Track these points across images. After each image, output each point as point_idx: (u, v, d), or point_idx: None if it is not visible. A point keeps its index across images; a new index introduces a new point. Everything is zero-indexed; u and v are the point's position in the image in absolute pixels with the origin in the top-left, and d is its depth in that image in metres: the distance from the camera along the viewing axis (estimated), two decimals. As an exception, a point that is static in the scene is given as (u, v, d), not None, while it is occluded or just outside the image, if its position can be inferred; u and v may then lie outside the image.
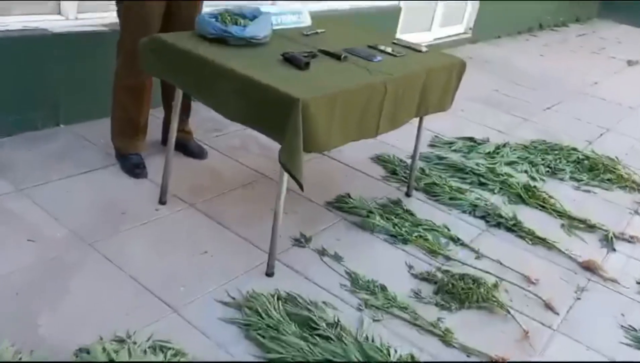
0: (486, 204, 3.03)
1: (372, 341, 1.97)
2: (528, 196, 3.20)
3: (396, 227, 2.68)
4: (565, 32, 8.56)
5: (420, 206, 2.95)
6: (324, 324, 1.98)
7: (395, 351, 1.95)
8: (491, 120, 4.35)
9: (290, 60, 2.23)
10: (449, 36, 6.32)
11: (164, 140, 2.90)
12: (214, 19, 2.33)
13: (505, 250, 2.68)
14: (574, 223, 3.02)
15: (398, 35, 4.48)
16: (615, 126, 4.72)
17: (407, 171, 3.15)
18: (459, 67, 2.74)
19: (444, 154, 3.56)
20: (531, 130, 4.29)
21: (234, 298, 2.09)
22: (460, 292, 2.28)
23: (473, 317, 2.22)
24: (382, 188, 3.10)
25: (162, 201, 2.59)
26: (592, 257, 2.71)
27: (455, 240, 2.69)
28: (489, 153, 3.67)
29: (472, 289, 2.30)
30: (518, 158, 3.68)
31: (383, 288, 2.26)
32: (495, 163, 3.53)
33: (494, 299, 2.29)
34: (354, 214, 2.76)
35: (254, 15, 2.41)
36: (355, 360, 1.87)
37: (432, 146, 3.71)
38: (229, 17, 2.36)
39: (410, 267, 2.44)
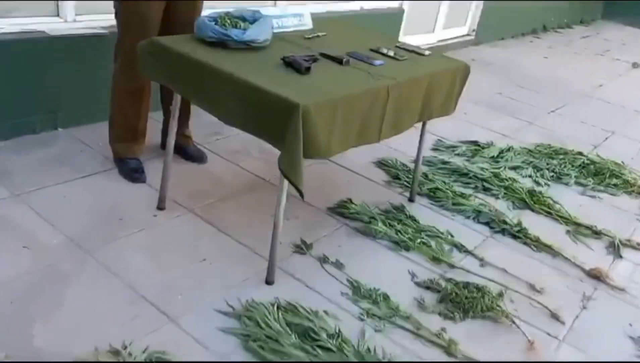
0: (490, 210, 2.98)
1: (374, 352, 1.93)
2: (533, 201, 3.15)
3: (399, 234, 2.63)
4: (570, 34, 8.52)
5: (424, 212, 2.90)
6: (324, 335, 1.94)
7: (398, 363, 1.90)
8: (495, 123, 4.30)
9: (290, 64, 2.18)
10: (452, 38, 6.28)
11: (164, 144, 2.85)
12: (213, 22, 2.29)
13: (510, 257, 2.64)
14: (580, 230, 2.97)
15: (401, 38, 4.44)
16: (621, 130, 4.67)
17: (410, 176, 3.10)
18: (463, 72, 2.69)
19: (447, 159, 3.51)
20: (535, 134, 4.24)
21: (233, 308, 2.04)
22: (465, 301, 2.23)
23: (477, 327, 2.18)
24: (384, 193, 3.05)
25: (160, 207, 2.55)
26: (599, 265, 2.66)
27: (459, 247, 2.64)
28: (492, 157, 3.63)
29: (476, 298, 2.25)
30: (522, 162, 3.63)
31: (385, 297, 2.22)
32: (499, 168, 3.48)
33: (499, 308, 2.24)
34: (356, 220, 2.71)
35: (254, 18, 2.37)
36: (357, 372, 1.83)
37: (435, 149, 3.66)
38: (228, 20, 2.32)
39: (413, 275, 2.40)
